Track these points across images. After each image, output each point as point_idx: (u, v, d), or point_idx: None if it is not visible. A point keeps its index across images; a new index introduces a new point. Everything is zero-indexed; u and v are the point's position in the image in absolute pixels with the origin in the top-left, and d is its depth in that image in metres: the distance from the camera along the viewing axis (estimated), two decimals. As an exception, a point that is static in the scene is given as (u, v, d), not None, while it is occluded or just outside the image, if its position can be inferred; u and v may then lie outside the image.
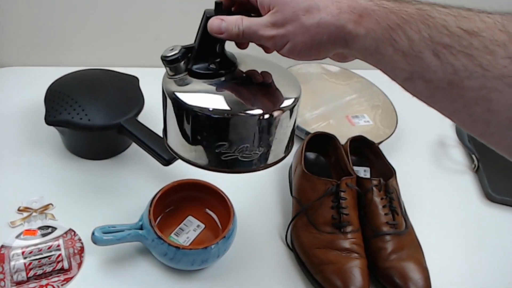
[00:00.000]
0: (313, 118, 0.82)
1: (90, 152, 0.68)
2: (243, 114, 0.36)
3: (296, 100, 0.39)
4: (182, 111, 0.37)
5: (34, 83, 0.76)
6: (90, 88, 0.66)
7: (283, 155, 0.41)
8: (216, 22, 0.37)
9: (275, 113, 0.37)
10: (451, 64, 0.30)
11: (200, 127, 0.37)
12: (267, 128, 0.38)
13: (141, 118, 0.66)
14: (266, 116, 0.37)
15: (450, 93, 0.31)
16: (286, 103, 0.39)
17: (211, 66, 0.39)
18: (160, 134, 0.61)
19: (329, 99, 0.88)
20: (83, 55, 0.86)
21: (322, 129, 0.77)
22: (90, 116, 0.62)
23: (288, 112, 0.38)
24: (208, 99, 0.38)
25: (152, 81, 0.74)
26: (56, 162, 0.67)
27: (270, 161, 0.40)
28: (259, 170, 0.40)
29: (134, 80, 0.71)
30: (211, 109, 0.36)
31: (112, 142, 0.68)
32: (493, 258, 0.65)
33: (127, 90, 0.68)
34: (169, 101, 0.38)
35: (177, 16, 0.83)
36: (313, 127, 0.79)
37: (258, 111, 0.37)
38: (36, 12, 0.79)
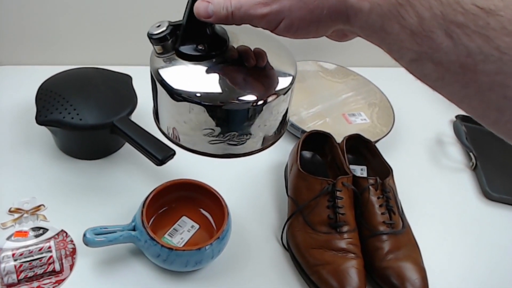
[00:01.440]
0: (309, 116, 0.81)
1: (82, 152, 0.67)
2: (234, 102, 0.34)
3: (293, 80, 0.37)
4: (169, 94, 0.35)
5: (25, 82, 0.75)
6: (82, 87, 0.65)
7: (273, 140, 0.39)
8: (202, 6, 0.35)
9: (270, 99, 0.35)
10: (465, 45, 0.27)
11: (187, 112, 0.35)
12: (259, 115, 0.35)
13: (134, 117, 0.65)
14: (260, 102, 0.35)
15: (462, 77, 0.28)
16: (282, 84, 0.36)
17: (199, 47, 0.37)
18: (153, 133, 0.60)
19: (326, 97, 0.87)
20: (75, 54, 0.84)
21: (318, 127, 0.76)
22: (82, 115, 0.61)
23: (282, 96, 0.36)
24: (196, 83, 0.36)
25: (145, 80, 0.73)
26: (48, 162, 0.66)
27: (258, 146, 0.38)
28: (247, 155, 0.38)
29: (127, 79, 0.70)
30: (199, 95, 0.34)
31: (104, 141, 0.67)
32: (491, 256, 0.65)
33: (119, 89, 0.67)
34: (157, 82, 0.36)
35: (172, 13, 0.81)
36: (309, 126, 0.78)
37: (251, 98, 0.34)
38: (28, 10, 0.78)
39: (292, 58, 0.40)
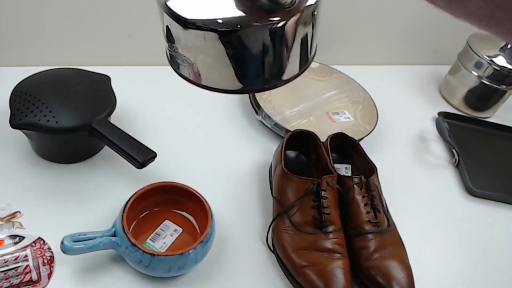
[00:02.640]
0: (293, 116, 0.81)
1: (59, 155, 0.65)
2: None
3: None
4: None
5: (-1, 84, 0.73)
6: (58, 89, 0.62)
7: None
8: None
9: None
10: None
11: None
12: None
13: (113, 119, 0.63)
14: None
15: None
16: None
17: None
18: (133, 135, 0.59)
19: (309, 95, 0.87)
20: (50, 54, 0.82)
21: (302, 126, 0.76)
22: (58, 118, 0.58)
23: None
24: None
25: (124, 80, 0.72)
26: (23, 167, 0.64)
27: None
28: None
29: (105, 80, 0.68)
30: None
31: (82, 145, 0.65)
32: (475, 252, 0.65)
33: (98, 90, 0.65)
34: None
35: (151, 12, 0.80)
36: (293, 125, 0.78)
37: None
38: (0, 10, 0.75)
39: None
